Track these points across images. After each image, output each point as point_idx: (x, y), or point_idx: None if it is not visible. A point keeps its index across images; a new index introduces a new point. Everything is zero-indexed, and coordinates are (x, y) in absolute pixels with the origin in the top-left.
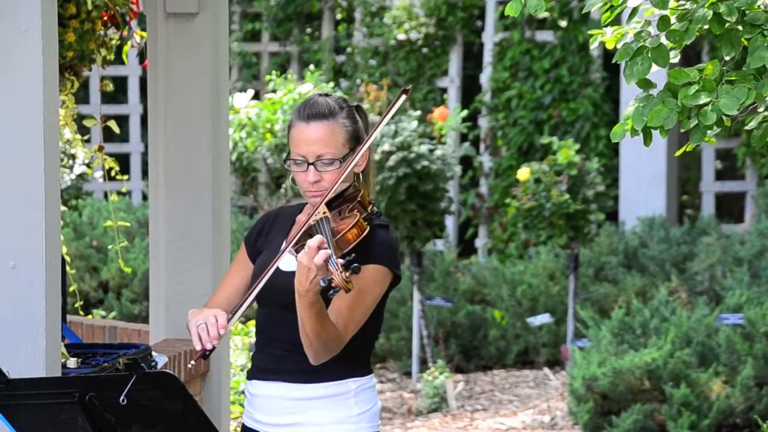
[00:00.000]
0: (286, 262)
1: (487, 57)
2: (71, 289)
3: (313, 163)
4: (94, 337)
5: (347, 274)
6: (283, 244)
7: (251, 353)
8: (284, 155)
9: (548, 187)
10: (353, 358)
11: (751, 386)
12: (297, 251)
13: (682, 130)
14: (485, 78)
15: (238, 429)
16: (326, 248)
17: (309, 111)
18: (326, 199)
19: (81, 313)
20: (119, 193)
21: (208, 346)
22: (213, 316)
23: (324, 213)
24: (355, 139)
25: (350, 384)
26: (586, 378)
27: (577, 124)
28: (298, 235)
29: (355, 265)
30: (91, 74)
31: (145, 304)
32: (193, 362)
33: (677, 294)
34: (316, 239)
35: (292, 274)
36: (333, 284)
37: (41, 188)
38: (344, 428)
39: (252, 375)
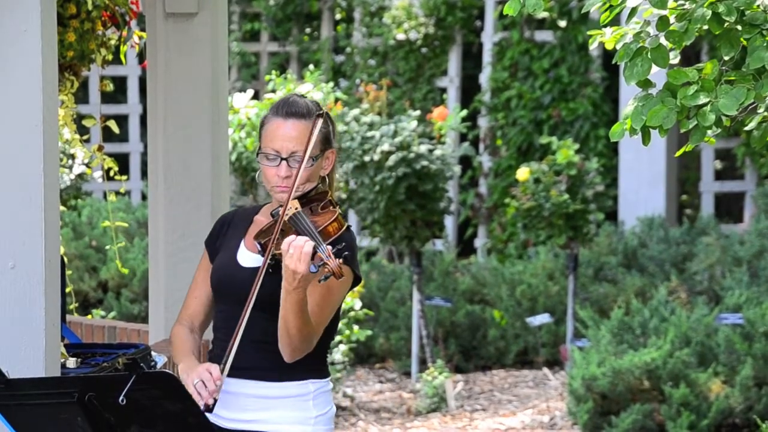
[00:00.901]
0: (246, 257)
1: (487, 57)
2: (68, 289)
3: (286, 159)
4: (93, 337)
5: (339, 260)
6: (242, 243)
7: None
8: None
9: (547, 187)
10: (312, 360)
11: (751, 386)
12: (263, 247)
13: (681, 130)
14: (484, 78)
15: None
16: (311, 244)
17: (288, 109)
18: (293, 195)
19: (75, 314)
20: (118, 193)
21: (210, 402)
22: (206, 371)
23: (296, 208)
24: (326, 142)
25: (309, 386)
26: (585, 378)
27: (577, 124)
28: (276, 232)
29: (346, 253)
30: (91, 74)
31: (145, 304)
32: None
33: (677, 294)
34: (302, 239)
35: (252, 270)
36: (326, 270)
37: (41, 188)
38: (302, 429)
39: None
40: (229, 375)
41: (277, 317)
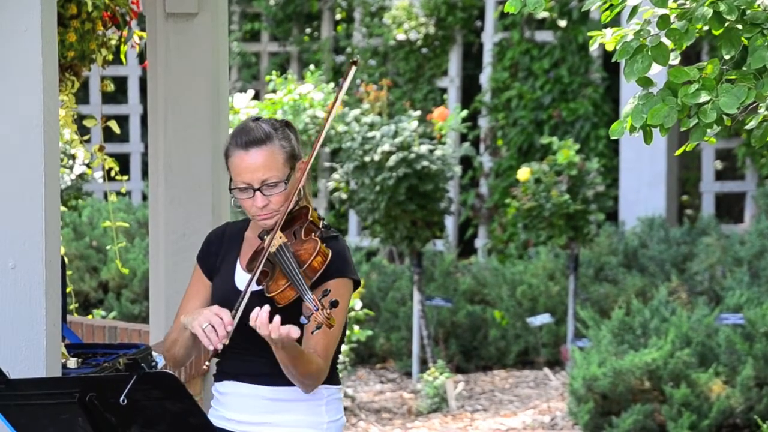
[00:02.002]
0: (243, 280)
1: (487, 57)
2: (68, 290)
3: (258, 189)
4: (94, 338)
5: (328, 311)
6: (237, 263)
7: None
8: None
9: (548, 188)
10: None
11: (751, 386)
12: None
13: (681, 129)
14: (485, 78)
15: None
16: (267, 319)
17: (246, 138)
18: (279, 224)
19: (75, 314)
20: (119, 193)
21: (220, 346)
22: (216, 315)
23: (281, 238)
24: (293, 158)
25: (322, 391)
26: (586, 378)
27: (577, 124)
28: (260, 264)
29: (334, 299)
30: (91, 74)
31: (145, 304)
32: (207, 363)
33: (677, 294)
34: (257, 312)
35: (250, 293)
36: (316, 322)
37: (41, 188)
38: None
39: (221, 377)
40: (240, 380)
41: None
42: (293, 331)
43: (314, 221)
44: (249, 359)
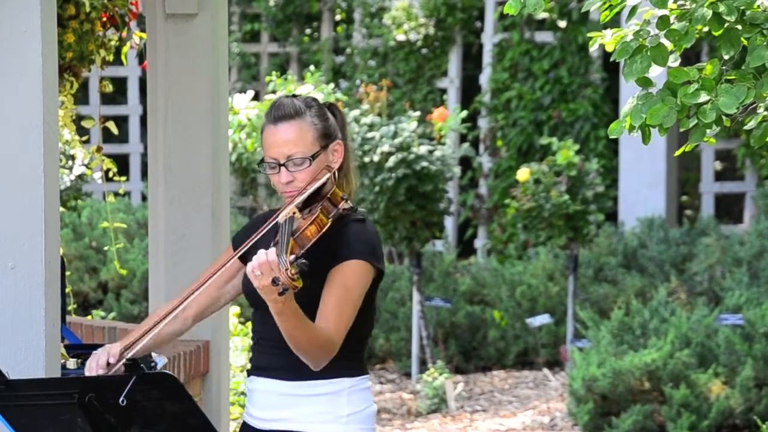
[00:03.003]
0: None
1: (487, 58)
2: (67, 290)
3: (284, 164)
4: (93, 338)
5: (293, 271)
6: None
7: (251, 354)
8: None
9: (548, 188)
10: (345, 357)
11: (751, 387)
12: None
13: (681, 130)
14: (485, 79)
15: (238, 429)
16: (272, 254)
17: (275, 113)
18: (299, 199)
19: (74, 315)
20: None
21: (93, 374)
22: (107, 350)
23: (293, 213)
24: (326, 137)
25: (343, 383)
26: (585, 379)
27: (577, 124)
28: (255, 235)
29: (302, 261)
30: (91, 75)
31: (145, 305)
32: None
33: (677, 295)
34: (261, 253)
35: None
36: (279, 282)
37: (41, 189)
38: (332, 427)
39: (249, 372)
40: (259, 375)
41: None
42: (270, 254)
43: (333, 200)
44: (267, 352)
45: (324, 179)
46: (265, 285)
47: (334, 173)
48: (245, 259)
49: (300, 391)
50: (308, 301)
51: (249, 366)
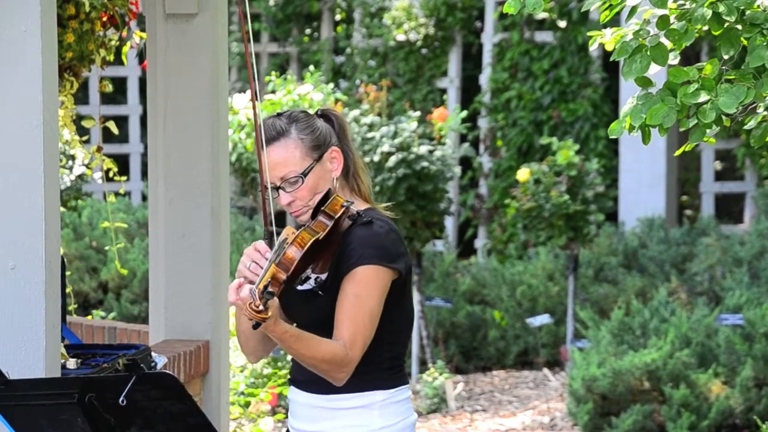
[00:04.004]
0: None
1: (487, 58)
2: (67, 290)
3: (280, 187)
4: (93, 338)
5: (256, 303)
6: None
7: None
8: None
9: (548, 188)
10: (376, 368)
11: (751, 387)
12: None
13: (681, 129)
14: (485, 79)
15: (238, 430)
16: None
17: (264, 137)
18: (307, 216)
19: (74, 315)
20: (118, 194)
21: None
22: (253, 248)
23: (292, 233)
24: (316, 148)
25: (375, 396)
26: (585, 379)
27: (577, 124)
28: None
29: (269, 290)
30: (91, 75)
31: (145, 305)
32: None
33: (677, 294)
34: (233, 284)
35: (304, 292)
36: (248, 317)
37: (41, 189)
38: None
39: (289, 382)
40: (298, 387)
41: (331, 334)
42: (243, 291)
43: (329, 212)
44: (302, 365)
45: (326, 189)
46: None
47: (337, 180)
48: None
49: (332, 405)
50: (324, 318)
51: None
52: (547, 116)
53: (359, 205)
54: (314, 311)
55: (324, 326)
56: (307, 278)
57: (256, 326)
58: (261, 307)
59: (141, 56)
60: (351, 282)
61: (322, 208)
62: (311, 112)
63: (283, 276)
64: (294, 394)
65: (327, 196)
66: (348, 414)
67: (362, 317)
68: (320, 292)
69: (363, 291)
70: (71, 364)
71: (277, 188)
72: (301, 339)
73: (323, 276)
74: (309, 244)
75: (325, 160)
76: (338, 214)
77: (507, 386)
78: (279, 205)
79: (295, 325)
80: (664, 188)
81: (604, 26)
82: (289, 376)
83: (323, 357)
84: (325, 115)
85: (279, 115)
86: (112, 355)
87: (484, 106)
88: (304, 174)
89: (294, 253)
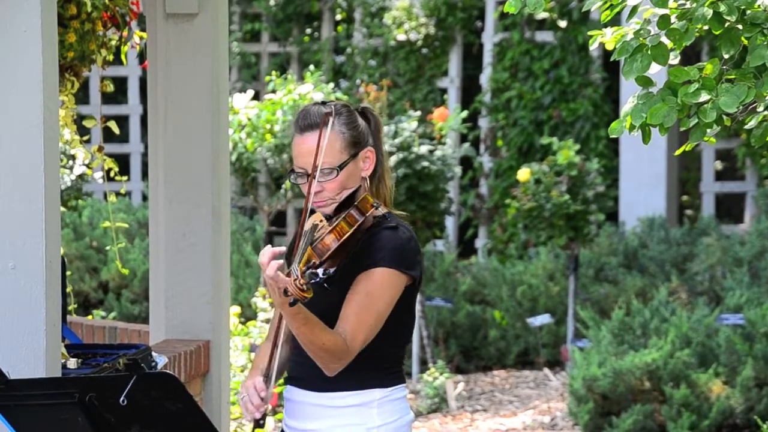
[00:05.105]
0: None
1: (487, 57)
2: (67, 290)
3: (311, 174)
4: (94, 338)
5: (302, 281)
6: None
7: (251, 353)
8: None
9: (548, 188)
10: (377, 367)
11: (751, 387)
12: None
13: (681, 129)
14: (485, 78)
15: (239, 430)
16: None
17: (302, 122)
18: (308, 208)
19: (74, 314)
20: (118, 194)
21: (257, 416)
22: (252, 386)
23: (318, 221)
24: (355, 145)
25: (374, 394)
26: (586, 378)
27: (577, 124)
28: (297, 247)
29: (312, 271)
30: (91, 75)
31: (145, 305)
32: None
33: (677, 294)
34: (264, 252)
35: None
36: (287, 293)
37: (41, 189)
38: None
39: (286, 380)
40: (293, 384)
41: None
42: (277, 272)
43: (361, 208)
44: (303, 363)
45: (355, 188)
46: (266, 280)
47: (367, 179)
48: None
49: (330, 402)
50: (330, 308)
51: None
52: (548, 116)
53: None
54: (315, 303)
55: (321, 319)
56: (316, 269)
57: (293, 303)
58: (305, 286)
59: (141, 56)
60: (366, 280)
61: (355, 203)
62: (352, 107)
63: (316, 261)
64: (291, 392)
65: (355, 192)
66: (347, 412)
67: (369, 316)
68: (326, 285)
69: (376, 291)
70: (72, 363)
71: (307, 175)
72: (309, 322)
73: (332, 270)
74: (347, 235)
75: (359, 158)
76: (368, 213)
77: (507, 386)
78: (302, 190)
79: (274, 358)
80: (665, 188)
81: (605, 26)
82: (287, 375)
83: (324, 344)
84: (364, 113)
85: (324, 103)
86: (113, 355)
87: (484, 105)
88: (340, 167)
89: (331, 241)
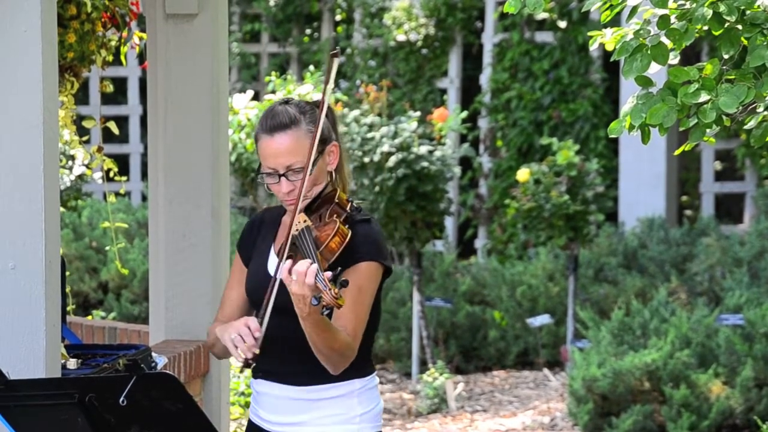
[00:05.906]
0: (275, 264)
1: (487, 58)
2: (67, 290)
3: (284, 174)
4: (93, 338)
5: (336, 290)
6: (272, 249)
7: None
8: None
9: (548, 188)
10: (355, 359)
11: (751, 387)
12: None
13: (681, 129)
14: (485, 79)
15: (239, 430)
16: (313, 268)
17: (271, 123)
18: (300, 207)
19: (73, 315)
20: (118, 194)
21: (249, 355)
22: (244, 325)
23: (304, 221)
24: (322, 142)
25: (354, 384)
26: (585, 379)
27: (577, 125)
28: (286, 247)
29: (344, 279)
30: (91, 75)
31: (145, 305)
32: (242, 368)
33: (677, 295)
34: (304, 264)
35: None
36: (323, 303)
37: (41, 189)
38: (347, 428)
39: (256, 375)
40: (269, 379)
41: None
42: (309, 267)
43: (341, 204)
44: (279, 357)
45: (324, 183)
46: (300, 294)
47: (331, 174)
48: (248, 264)
49: (313, 396)
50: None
51: (254, 366)
52: (547, 116)
53: None
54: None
55: (285, 312)
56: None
57: (328, 309)
58: (339, 294)
59: (141, 56)
60: (355, 275)
61: (336, 201)
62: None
63: (324, 265)
64: (265, 386)
65: (325, 188)
66: (329, 404)
67: (363, 310)
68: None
69: (365, 285)
70: (71, 364)
71: (279, 175)
72: (329, 328)
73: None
74: (348, 236)
75: (326, 153)
76: (347, 207)
77: (507, 386)
78: (270, 191)
79: (268, 307)
80: (664, 188)
81: (605, 26)
82: (254, 369)
83: (338, 347)
84: (313, 114)
85: (287, 102)
86: (113, 356)
87: (484, 106)
88: (313, 164)
89: (337, 244)
